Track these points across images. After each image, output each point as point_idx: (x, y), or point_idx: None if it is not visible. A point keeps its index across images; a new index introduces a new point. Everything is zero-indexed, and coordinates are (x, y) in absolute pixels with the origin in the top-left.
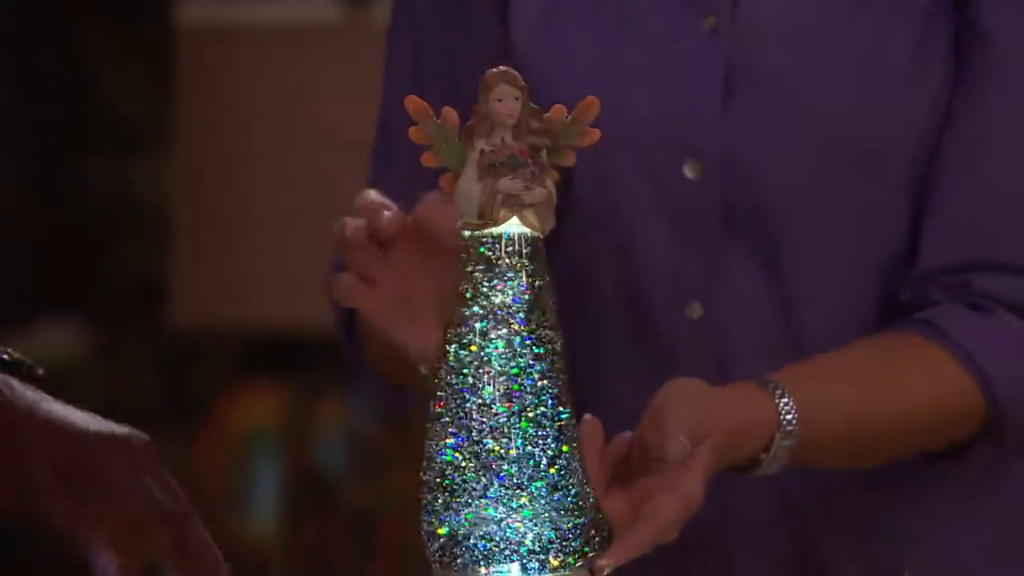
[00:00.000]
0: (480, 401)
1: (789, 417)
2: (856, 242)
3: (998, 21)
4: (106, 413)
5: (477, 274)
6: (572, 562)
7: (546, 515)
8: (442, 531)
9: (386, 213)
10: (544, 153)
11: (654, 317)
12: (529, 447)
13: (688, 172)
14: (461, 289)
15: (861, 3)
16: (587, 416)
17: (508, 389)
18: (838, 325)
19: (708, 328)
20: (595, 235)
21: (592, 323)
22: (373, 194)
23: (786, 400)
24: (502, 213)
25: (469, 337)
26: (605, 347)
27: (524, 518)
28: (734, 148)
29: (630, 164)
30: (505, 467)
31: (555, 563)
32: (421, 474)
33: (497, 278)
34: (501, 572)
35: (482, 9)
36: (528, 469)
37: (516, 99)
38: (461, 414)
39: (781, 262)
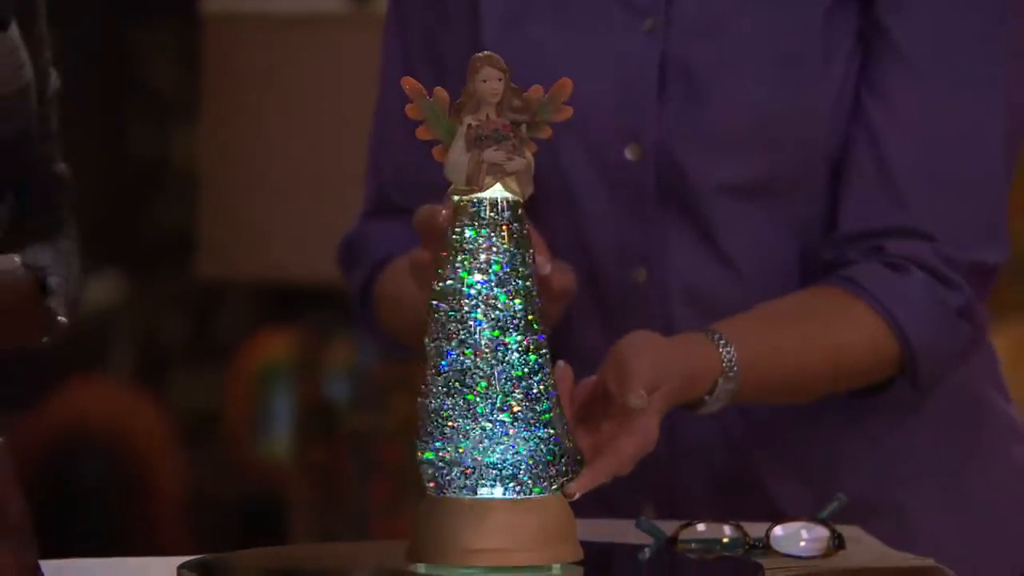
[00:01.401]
0: (468, 345)
1: (731, 364)
2: (779, 211)
3: (898, 20)
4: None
5: (465, 233)
6: (548, 487)
7: (526, 445)
8: (434, 457)
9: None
10: (524, 127)
11: (607, 280)
12: (511, 385)
13: (628, 154)
14: (451, 247)
15: (780, 6)
16: (560, 362)
17: (493, 334)
18: (765, 282)
19: (652, 290)
20: (554, 211)
21: None
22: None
23: (729, 349)
24: (487, 180)
25: (457, 289)
26: (570, 305)
27: (507, 447)
28: (668, 133)
29: (580, 148)
30: (489, 402)
31: (534, 487)
32: (417, 407)
33: (483, 237)
34: (485, 495)
35: (458, 7)
36: (511, 404)
37: (499, 80)
38: (451, 356)
39: (712, 231)
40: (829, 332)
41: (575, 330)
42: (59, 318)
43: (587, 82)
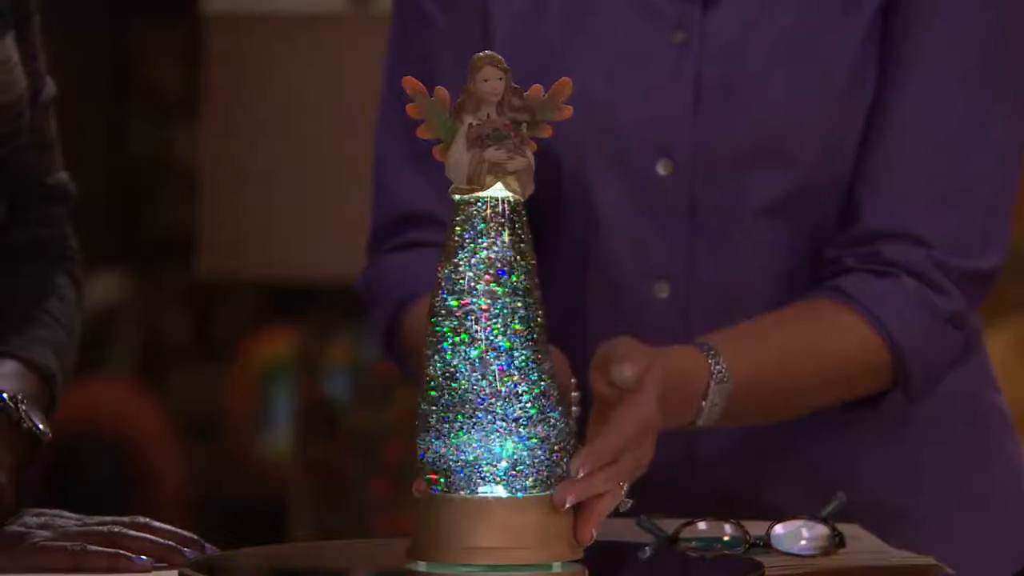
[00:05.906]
0: (467, 344)
1: (721, 369)
2: (802, 223)
3: (913, 27)
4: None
5: (466, 232)
6: (548, 485)
7: (525, 443)
8: (435, 455)
9: None
10: (524, 127)
11: (626, 294)
12: (511, 383)
13: (661, 169)
14: (452, 245)
15: (814, 22)
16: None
17: (492, 332)
18: (777, 291)
19: (673, 305)
20: (575, 222)
21: (572, 302)
22: None
23: (718, 359)
24: (488, 179)
25: (458, 287)
26: (583, 318)
27: (507, 445)
28: (701, 148)
29: (608, 161)
30: (490, 401)
31: (533, 484)
32: (418, 405)
33: (483, 236)
34: (486, 492)
35: (464, 23)
36: (510, 402)
37: (500, 79)
38: (451, 355)
39: (737, 247)
40: (817, 339)
41: (591, 342)
42: (42, 432)
43: (615, 94)
